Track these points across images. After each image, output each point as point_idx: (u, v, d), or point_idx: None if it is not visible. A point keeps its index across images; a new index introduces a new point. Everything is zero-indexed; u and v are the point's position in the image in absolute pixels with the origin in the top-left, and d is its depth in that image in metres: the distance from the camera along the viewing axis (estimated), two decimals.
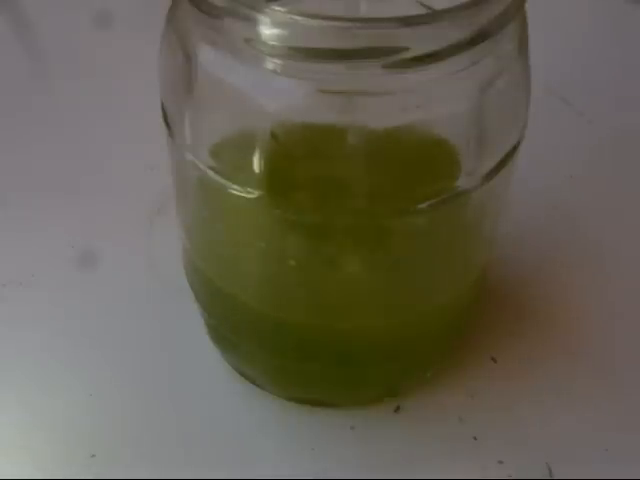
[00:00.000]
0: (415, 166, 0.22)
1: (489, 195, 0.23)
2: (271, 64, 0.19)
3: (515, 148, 0.23)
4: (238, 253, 0.24)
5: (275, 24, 0.18)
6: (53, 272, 0.31)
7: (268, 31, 0.18)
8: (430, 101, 0.20)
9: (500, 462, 0.26)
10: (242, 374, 0.28)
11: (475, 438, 0.27)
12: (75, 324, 0.30)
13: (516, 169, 0.24)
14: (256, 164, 0.21)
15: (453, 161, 0.22)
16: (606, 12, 0.47)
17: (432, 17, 0.19)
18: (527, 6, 0.21)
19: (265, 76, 0.19)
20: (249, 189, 0.21)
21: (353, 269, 0.23)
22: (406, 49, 0.18)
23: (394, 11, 0.19)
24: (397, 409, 0.27)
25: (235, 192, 0.21)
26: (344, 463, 0.26)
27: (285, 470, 0.26)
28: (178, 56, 0.21)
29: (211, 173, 0.22)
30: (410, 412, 0.27)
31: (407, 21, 0.18)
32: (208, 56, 0.20)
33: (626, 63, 0.42)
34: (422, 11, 0.24)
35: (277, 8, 0.18)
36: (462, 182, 0.21)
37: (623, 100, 0.40)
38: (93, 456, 0.26)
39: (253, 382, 0.28)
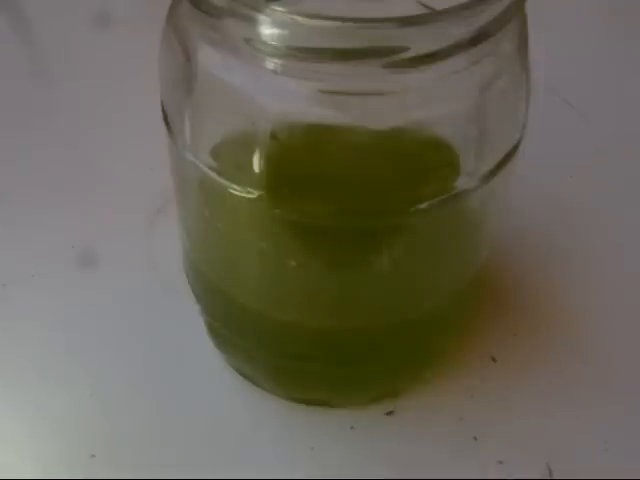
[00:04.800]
0: (415, 166, 0.22)
1: (489, 195, 0.23)
2: (271, 64, 0.19)
3: (515, 148, 0.23)
4: (238, 253, 0.24)
5: (275, 24, 0.18)
6: (53, 272, 0.31)
7: (268, 31, 0.18)
8: (430, 101, 0.20)
9: (500, 462, 0.26)
10: (242, 374, 0.28)
11: (475, 438, 0.27)
12: (75, 324, 0.29)
13: (516, 169, 0.24)
14: (256, 164, 0.21)
15: (453, 161, 0.22)
16: (606, 11, 0.47)
17: (432, 17, 0.19)
18: (527, 6, 0.21)
19: (265, 76, 0.19)
20: (249, 189, 0.21)
21: (353, 269, 0.23)
22: (406, 49, 0.18)
23: (394, 11, 0.19)
24: (397, 409, 0.27)
25: (235, 192, 0.21)
26: (343, 463, 0.26)
27: (284, 470, 0.26)
28: (178, 56, 0.21)
29: (211, 173, 0.22)
30: (410, 412, 0.27)
31: (407, 21, 0.18)
32: (208, 56, 0.20)
33: (626, 63, 0.42)
34: (422, 11, 0.24)
35: (277, 8, 0.18)
36: (462, 182, 0.21)
37: (623, 100, 0.40)
38: (93, 456, 0.26)
39: (253, 382, 0.28)
